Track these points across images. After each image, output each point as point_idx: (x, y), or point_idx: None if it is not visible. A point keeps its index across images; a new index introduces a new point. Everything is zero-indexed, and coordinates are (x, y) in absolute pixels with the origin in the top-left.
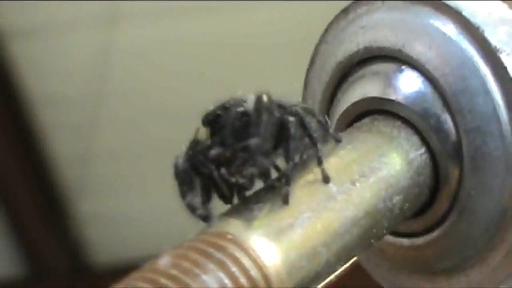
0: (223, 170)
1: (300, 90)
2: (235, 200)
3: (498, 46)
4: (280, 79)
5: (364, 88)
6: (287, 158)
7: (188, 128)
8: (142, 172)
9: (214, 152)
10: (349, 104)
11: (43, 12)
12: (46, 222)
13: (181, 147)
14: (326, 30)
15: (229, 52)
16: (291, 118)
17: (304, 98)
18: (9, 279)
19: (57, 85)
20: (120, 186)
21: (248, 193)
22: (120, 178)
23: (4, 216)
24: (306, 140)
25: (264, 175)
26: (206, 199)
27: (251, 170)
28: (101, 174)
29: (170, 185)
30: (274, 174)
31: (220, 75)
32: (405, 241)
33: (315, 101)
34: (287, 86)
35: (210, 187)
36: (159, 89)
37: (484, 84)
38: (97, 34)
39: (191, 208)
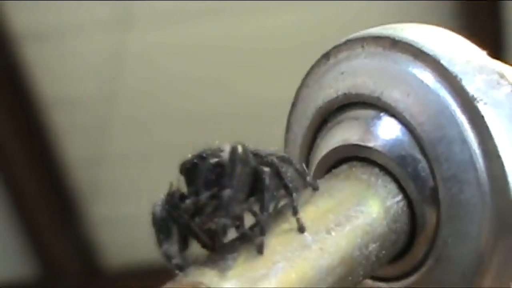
0: (197, 219)
1: None
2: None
3: (475, 95)
4: (290, 84)
5: (342, 134)
6: (262, 208)
7: (198, 132)
8: (153, 174)
9: (187, 203)
10: (328, 150)
11: (56, 16)
12: (58, 224)
13: (194, 149)
14: (308, 74)
15: (241, 56)
16: (266, 169)
17: (285, 142)
18: (21, 281)
19: (70, 88)
20: (132, 189)
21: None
22: (131, 180)
23: (17, 219)
24: (282, 189)
25: (238, 222)
26: (183, 247)
27: (223, 220)
28: (113, 177)
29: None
30: (251, 220)
31: (232, 80)
32: (383, 285)
33: (296, 145)
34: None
35: (187, 235)
36: (170, 93)
37: (461, 132)
38: (109, 37)
39: (167, 257)
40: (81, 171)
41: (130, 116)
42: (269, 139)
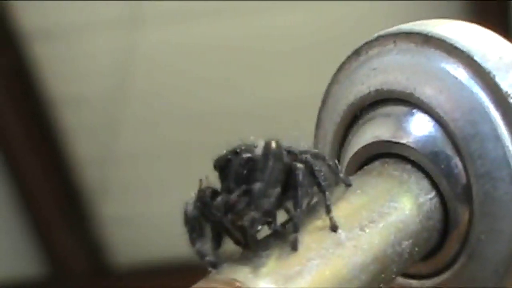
0: (229, 216)
1: (312, 96)
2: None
3: (509, 91)
4: (299, 84)
5: (374, 130)
6: (295, 205)
7: (207, 131)
8: (162, 174)
9: (220, 199)
10: (359, 146)
11: (65, 15)
12: (66, 223)
13: (208, 150)
14: (338, 70)
15: (249, 56)
16: (300, 165)
17: (316, 138)
18: (30, 279)
19: (79, 87)
20: (141, 188)
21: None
22: (140, 180)
23: (26, 218)
24: (315, 187)
25: (270, 219)
26: (217, 245)
27: (253, 214)
28: (122, 176)
29: (190, 187)
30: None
31: (240, 79)
32: (414, 283)
33: (327, 142)
34: (303, 91)
35: (221, 233)
36: (179, 92)
37: (494, 129)
38: (118, 36)
39: (200, 255)
40: (90, 170)
41: (139, 115)
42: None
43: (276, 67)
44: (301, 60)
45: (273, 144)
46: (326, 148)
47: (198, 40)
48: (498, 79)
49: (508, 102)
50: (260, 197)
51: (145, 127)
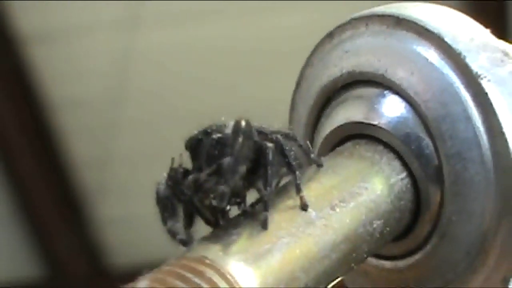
0: (200, 194)
1: None
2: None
3: (479, 73)
4: None
5: (347, 112)
6: (265, 184)
7: None
8: (160, 175)
9: (190, 178)
10: (332, 128)
11: (63, 17)
12: (66, 225)
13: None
14: (312, 53)
15: (249, 57)
16: (270, 144)
17: (290, 120)
18: (28, 281)
19: (77, 89)
20: (139, 189)
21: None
22: (138, 181)
23: (24, 219)
24: (285, 167)
25: (238, 196)
26: (188, 224)
27: (221, 188)
28: (120, 178)
29: None
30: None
31: (240, 81)
32: (387, 264)
33: (300, 124)
34: None
35: (193, 212)
36: (178, 94)
37: (465, 110)
38: (116, 38)
39: (172, 233)
40: (88, 171)
41: (138, 116)
42: None
43: (276, 69)
44: (301, 61)
45: (243, 122)
46: (300, 131)
47: (197, 41)
48: (468, 60)
49: (479, 83)
50: (228, 171)
51: (143, 129)
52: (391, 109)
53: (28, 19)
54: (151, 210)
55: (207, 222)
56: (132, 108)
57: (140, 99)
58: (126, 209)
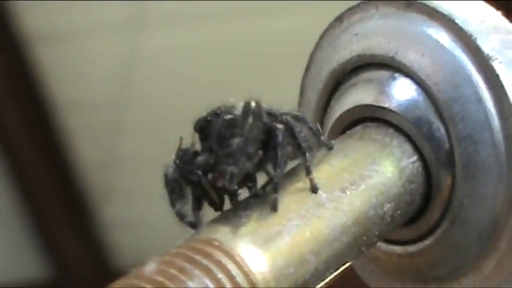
0: (210, 176)
1: None
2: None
3: (490, 54)
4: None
5: (357, 95)
6: (275, 166)
7: None
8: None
9: (200, 159)
10: (342, 111)
11: (68, 18)
12: (70, 226)
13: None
14: (321, 37)
15: (254, 60)
16: (280, 126)
17: (299, 105)
18: (34, 282)
19: (82, 90)
20: (144, 191)
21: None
22: (143, 182)
23: (30, 220)
24: (295, 149)
25: (248, 178)
26: (197, 207)
27: (231, 169)
28: (125, 179)
29: None
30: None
31: (245, 83)
32: (397, 249)
33: (310, 108)
34: None
35: (201, 194)
36: (182, 95)
37: (476, 92)
38: (121, 40)
39: (180, 216)
40: (93, 173)
41: (142, 118)
42: None
43: (278, 71)
44: (304, 63)
45: (253, 103)
46: (309, 115)
47: (201, 44)
48: (479, 42)
49: (490, 65)
50: (238, 152)
51: (148, 130)
52: (402, 91)
53: (34, 20)
54: (157, 211)
55: (211, 204)
56: (137, 109)
57: (145, 101)
58: (131, 210)
